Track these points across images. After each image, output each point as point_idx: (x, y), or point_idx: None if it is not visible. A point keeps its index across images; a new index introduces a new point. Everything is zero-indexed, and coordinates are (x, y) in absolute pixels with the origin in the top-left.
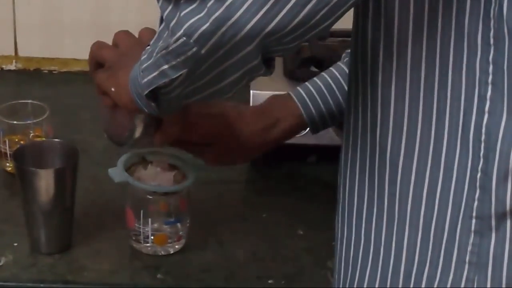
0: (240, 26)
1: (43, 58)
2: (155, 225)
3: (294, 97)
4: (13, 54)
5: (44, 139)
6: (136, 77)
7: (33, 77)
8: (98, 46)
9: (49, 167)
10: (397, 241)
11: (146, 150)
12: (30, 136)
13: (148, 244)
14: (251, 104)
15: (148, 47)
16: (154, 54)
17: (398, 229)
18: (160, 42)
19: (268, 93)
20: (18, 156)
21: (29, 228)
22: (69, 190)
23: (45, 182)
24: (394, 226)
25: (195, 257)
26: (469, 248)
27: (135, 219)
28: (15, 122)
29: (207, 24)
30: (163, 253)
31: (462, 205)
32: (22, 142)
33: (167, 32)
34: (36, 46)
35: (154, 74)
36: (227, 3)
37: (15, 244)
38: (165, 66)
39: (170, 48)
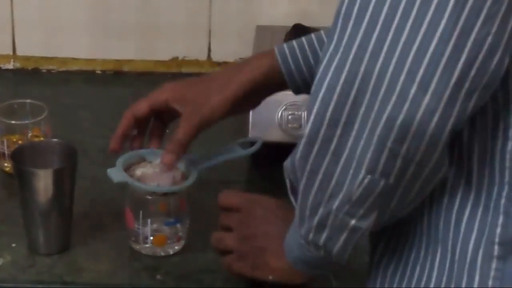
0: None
1: (42, 57)
2: (155, 225)
3: (275, 49)
4: (11, 53)
5: (42, 139)
6: (304, 254)
7: (31, 77)
8: (218, 238)
9: (48, 167)
10: (432, 260)
11: (146, 150)
12: (29, 136)
13: (147, 245)
14: (250, 116)
15: (296, 218)
16: (333, 217)
17: (434, 249)
18: (313, 197)
19: (267, 100)
20: (16, 156)
21: (27, 228)
22: (68, 191)
23: (43, 182)
24: (430, 246)
25: (194, 258)
26: (492, 274)
27: (134, 219)
28: (13, 122)
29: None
30: (162, 254)
31: (485, 231)
32: (20, 142)
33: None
34: (35, 45)
35: (343, 237)
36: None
37: (13, 245)
38: (353, 222)
39: (355, 197)
